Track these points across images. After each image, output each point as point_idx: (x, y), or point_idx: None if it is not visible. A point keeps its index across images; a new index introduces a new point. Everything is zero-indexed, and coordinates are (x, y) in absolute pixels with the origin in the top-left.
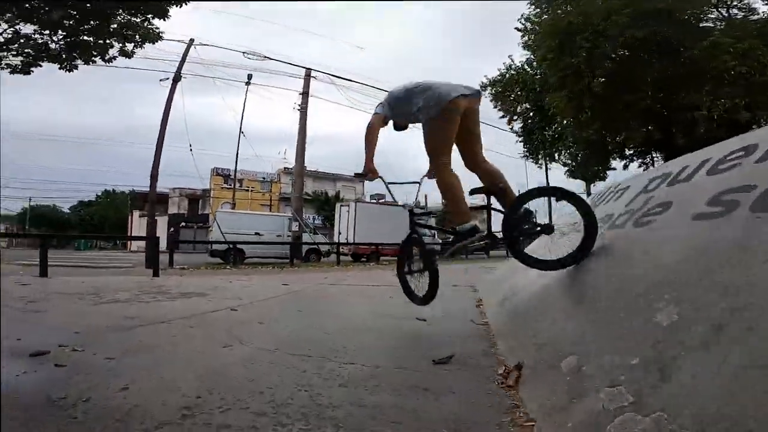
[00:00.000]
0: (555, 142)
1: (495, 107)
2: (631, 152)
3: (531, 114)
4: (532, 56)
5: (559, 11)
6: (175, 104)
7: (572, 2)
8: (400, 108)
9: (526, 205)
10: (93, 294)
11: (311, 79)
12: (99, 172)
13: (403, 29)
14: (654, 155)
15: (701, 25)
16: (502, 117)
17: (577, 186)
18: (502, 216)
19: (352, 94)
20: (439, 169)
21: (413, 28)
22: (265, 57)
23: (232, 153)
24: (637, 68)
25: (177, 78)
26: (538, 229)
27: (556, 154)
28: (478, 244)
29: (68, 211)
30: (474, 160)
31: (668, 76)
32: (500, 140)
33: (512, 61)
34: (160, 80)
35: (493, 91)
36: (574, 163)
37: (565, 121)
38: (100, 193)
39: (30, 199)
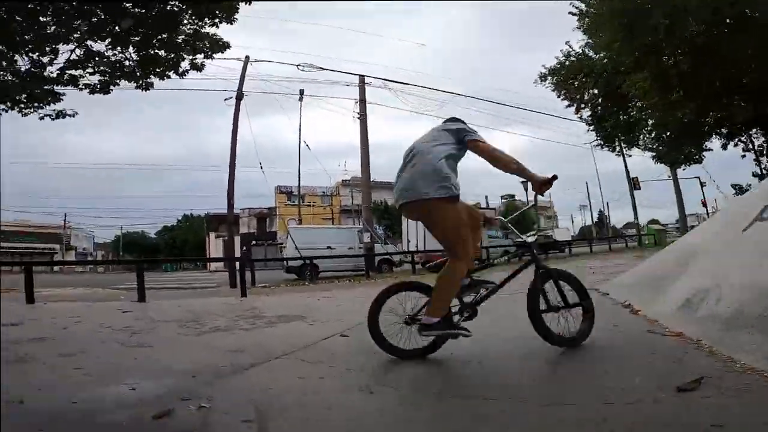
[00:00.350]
0: (632, 127)
1: (558, 97)
2: (727, 131)
3: (599, 100)
4: (591, 40)
5: None
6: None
7: None
8: None
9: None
10: (192, 321)
11: (366, 85)
12: (178, 198)
13: (444, 31)
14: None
15: None
16: (569, 106)
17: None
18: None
19: (406, 96)
20: None
21: (453, 29)
22: (320, 68)
23: (291, 169)
24: (730, 43)
25: (240, 96)
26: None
27: (638, 140)
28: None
29: (154, 236)
30: None
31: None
32: (566, 130)
33: (570, 47)
34: (225, 99)
35: (554, 81)
36: (661, 148)
37: (644, 104)
38: (180, 218)
39: (121, 227)
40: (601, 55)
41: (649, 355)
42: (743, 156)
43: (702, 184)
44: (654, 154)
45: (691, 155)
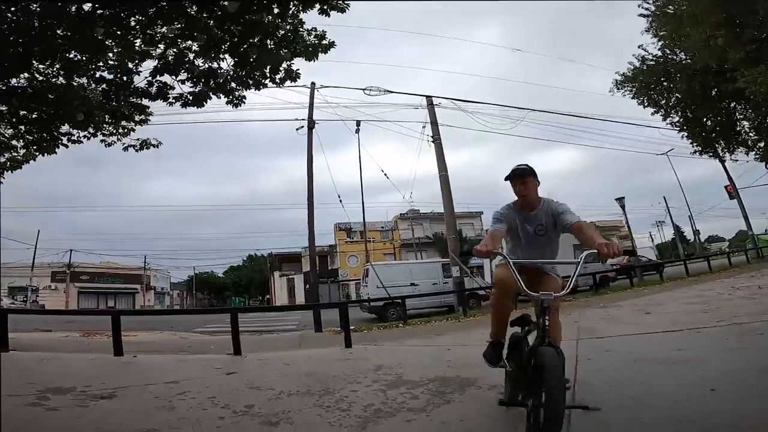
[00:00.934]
0: (734, 126)
1: (640, 104)
2: None
3: (689, 102)
4: (675, 40)
5: None
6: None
7: None
8: None
9: None
10: (322, 390)
11: (436, 106)
12: (242, 239)
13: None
14: None
15: None
16: (655, 112)
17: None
18: None
19: (476, 115)
20: None
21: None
22: (387, 90)
23: (349, 205)
24: None
25: (312, 125)
26: None
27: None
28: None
29: (222, 275)
30: None
31: None
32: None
33: (645, 50)
34: (297, 129)
35: (633, 87)
36: None
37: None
38: (245, 258)
39: (194, 268)
40: (690, 54)
41: None
42: None
43: None
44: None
45: None
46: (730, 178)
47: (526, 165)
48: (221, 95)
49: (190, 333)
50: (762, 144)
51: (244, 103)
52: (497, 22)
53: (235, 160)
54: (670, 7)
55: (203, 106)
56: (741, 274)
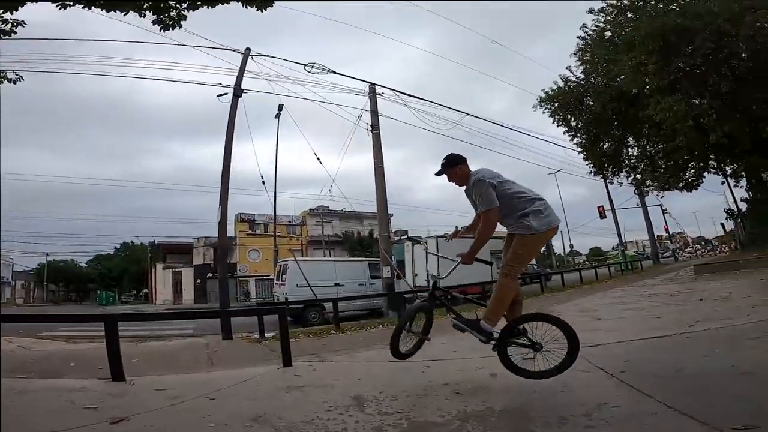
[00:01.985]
0: (620, 153)
1: (554, 123)
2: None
3: (594, 124)
4: (586, 65)
5: (654, 14)
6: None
7: (667, 5)
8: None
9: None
10: None
11: (378, 96)
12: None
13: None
14: None
15: None
16: (566, 132)
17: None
18: None
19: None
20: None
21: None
22: (332, 71)
23: (255, 196)
24: None
25: (239, 93)
26: (529, 344)
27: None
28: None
29: (85, 264)
30: None
31: None
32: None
33: (571, 72)
34: (218, 95)
35: (553, 106)
36: (662, 173)
37: (671, 128)
38: (118, 246)
39: (47, 255)
40: (611, 79)
41: None
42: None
43: (664, 212)
44: (638, 179)
45: (692, 182)
46: (610, 200)
47: (444, 160)
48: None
49: (34, 339)
50: (640, 171)
51: (180, 26)
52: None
53: (121, 138)
54: (608, 32)
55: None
56: (628, 283)
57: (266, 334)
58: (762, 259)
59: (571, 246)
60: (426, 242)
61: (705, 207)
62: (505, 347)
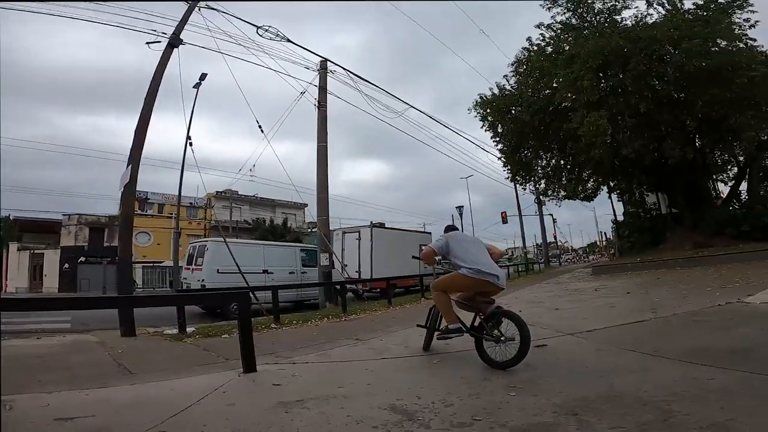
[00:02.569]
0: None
1: (482, 128)
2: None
3: (517, 134)
4: (519, 76)
5: (599, 33)
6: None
7: (613, 26)
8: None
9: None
10: None
11: (329, 74)
12: None
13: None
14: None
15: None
16: (493, 137)
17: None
18: None
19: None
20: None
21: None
22: (287, 38)
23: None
24: (690, 91)
25: (176, 43)
26: (493, 338)
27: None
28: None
29: None
30: None
31: (719, 100)
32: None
33: (507, 80)
34: (148, 43)
35: (485, 112)
36: (579, 187)
37: (591, 141)
38: None
39: None
40: (545, 92)
41: None
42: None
43: (554, 221)
44: (540, 188)
45: (591, 194)
46: (518, 206)
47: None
48: None
49: None
50: (546, 180)
51: None
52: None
53: None
54: (550, 47)
55: None
56: (541, 282)
57: (187, 329)
58: (645, 263)
59: None
60: (359, 232)
61: (600, 218)
62: (481, 339)
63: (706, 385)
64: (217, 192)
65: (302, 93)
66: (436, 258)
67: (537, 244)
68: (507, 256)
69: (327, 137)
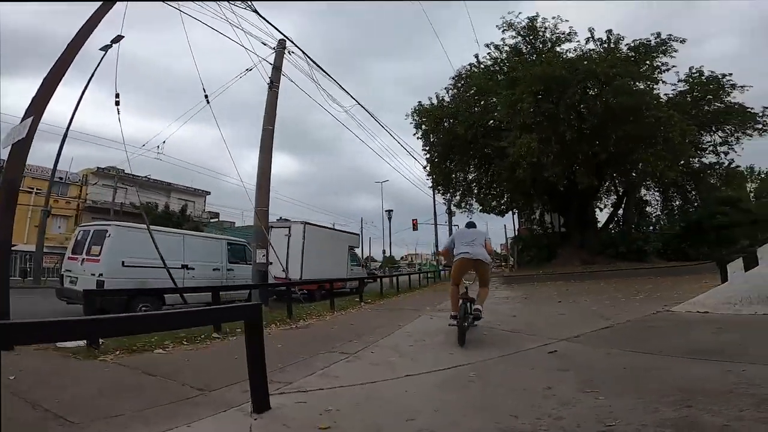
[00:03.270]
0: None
1: (415, 135)
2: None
3: (442, 146)
4: (456, 91)
5: (543, 62)
6: None
7: (556, 57)
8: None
9: None
10: None
11: (286, 52)
12: None
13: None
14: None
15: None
16: (424, 147)
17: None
18: None
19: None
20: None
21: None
22: (254, 9)
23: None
24: (609, 125)
25: None
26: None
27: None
28: None
29: None
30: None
31: (630, 135)
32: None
33: (448, 92)
34: None
35: (421, 120)
36: (494, 202)
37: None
38: None
39: None
40: (469, 106)
41: None
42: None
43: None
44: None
45: (504, 209)
46: (435, 215)
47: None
48: None
49: None
50: (462, 193)
51: None
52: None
53: None
54: (496, 66)
55: None
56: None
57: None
58: (546, 275)
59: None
60: (290, 227)
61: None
62: (465, 321)
63: (741, 375)
64: (98, 168)
65: (250, 69)
66: (448, 256)
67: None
68: (406, 262)
69: (275, 121)
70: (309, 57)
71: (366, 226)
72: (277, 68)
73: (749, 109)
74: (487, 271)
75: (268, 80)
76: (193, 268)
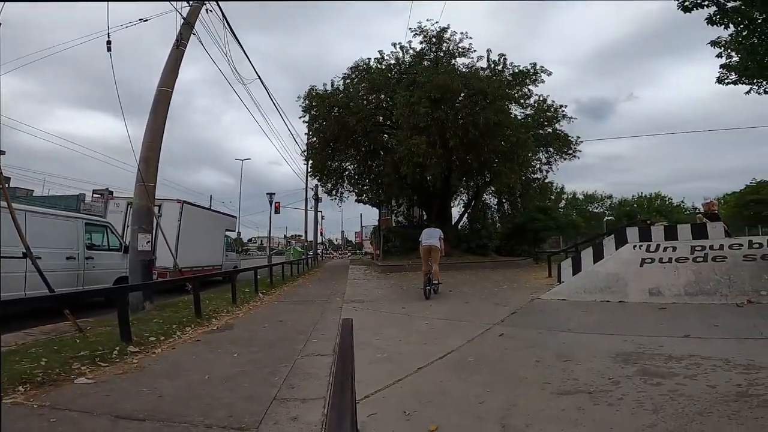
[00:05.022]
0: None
1: (301, 117)
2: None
3: (327, 134)
4: (349, 82)
5: (444, 71)
6: None
7: (452, 71)
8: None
9: None
10: None
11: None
12: None
13: None
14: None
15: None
16: (308, 132)
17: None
18: None
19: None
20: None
21: None
22: None
23: None
24: (483, 138)
25: None
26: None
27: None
28: None
29: None
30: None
31: (496, 150)
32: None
33: (346, 81)
34: None
35: (310, 104)
36: (372, 193)
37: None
38: None
39: None
40: (361, 101)
41: None
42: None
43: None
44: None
45: (386, 200)
46: (306, 200)
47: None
48: None
49: None
50: (332, 181)
51: None
52: None
53: None
54: (397, 66)
55: None
56: (345, 276)
57: None
58: (415, 265)
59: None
60: (161, 206)
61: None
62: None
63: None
64: None
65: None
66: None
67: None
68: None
69: (174, 83)
70: (227, 22)
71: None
72: (188, 25)
73: (569, 137)
74: (437, 253)
75: (177, 35)
76: (40, 257)
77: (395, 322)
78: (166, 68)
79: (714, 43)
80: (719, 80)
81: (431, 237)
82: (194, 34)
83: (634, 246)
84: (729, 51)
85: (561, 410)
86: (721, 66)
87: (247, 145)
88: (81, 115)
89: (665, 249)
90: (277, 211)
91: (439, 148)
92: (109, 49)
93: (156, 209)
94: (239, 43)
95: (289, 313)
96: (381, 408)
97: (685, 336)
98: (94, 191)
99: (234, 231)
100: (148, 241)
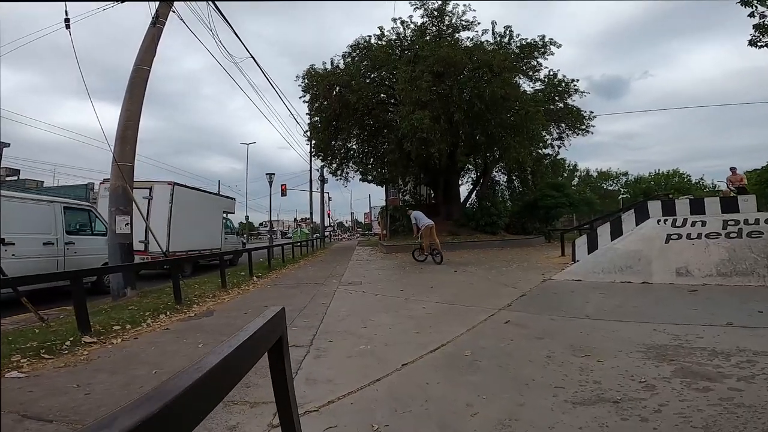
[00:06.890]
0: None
1: (301, 98)
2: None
3: (330, 113)
4: (349, 60)
5: (447, 44)
6: None
7: (455, 44)
8: None
9: None
10: None
11: None
12: None
13: None
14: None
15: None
16: (309, 111)
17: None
18: None
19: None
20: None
21: None
22: None
23: None
24: (490, 111)
25: None
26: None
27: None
28: None
29: None
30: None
31: (504, 124)
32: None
33: (344, 59)
34: None
35: (311, 83)
36: (375, 172)
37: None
38: None
39: None
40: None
41: None
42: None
43: (329, 199)
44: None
45: (391, 179)
46: (311, 181)
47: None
48: None
49: None
50: (337, 161)
51: None
52: None
53: None
54: (398, 41)
55: None
56: (353, 256)
57: None
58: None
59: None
60: (152, 188)
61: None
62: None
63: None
64: None
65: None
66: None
67: (308, 220)
68: (266, 228)
69: (152, 62)
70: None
71: (225, 191)
72: (167, 2)
73: (582, 112)
74: (434, 230)
75: (154, 14)
76: (13, 243)
77: (390, 306)
78: (143, 46)
79: (744, 3)
80: (752, 43)
81: (429, 217)
82: (174, 11)
83: (658, 221)
84: (763, 10)
85: (578, 429)
86: (754, 26)
87: (255, 131)
88: (89, 106)
89: (693, 224)
90: (283, 194)
91: (443, 123)
92: (67, 27)
93: (147, 191)
94: (226, 20)
95: (278, 297)
96: (344, 420)
97: (727, 324)
98: (102, 180)
99: (233, 212)
100: (127, 223)
